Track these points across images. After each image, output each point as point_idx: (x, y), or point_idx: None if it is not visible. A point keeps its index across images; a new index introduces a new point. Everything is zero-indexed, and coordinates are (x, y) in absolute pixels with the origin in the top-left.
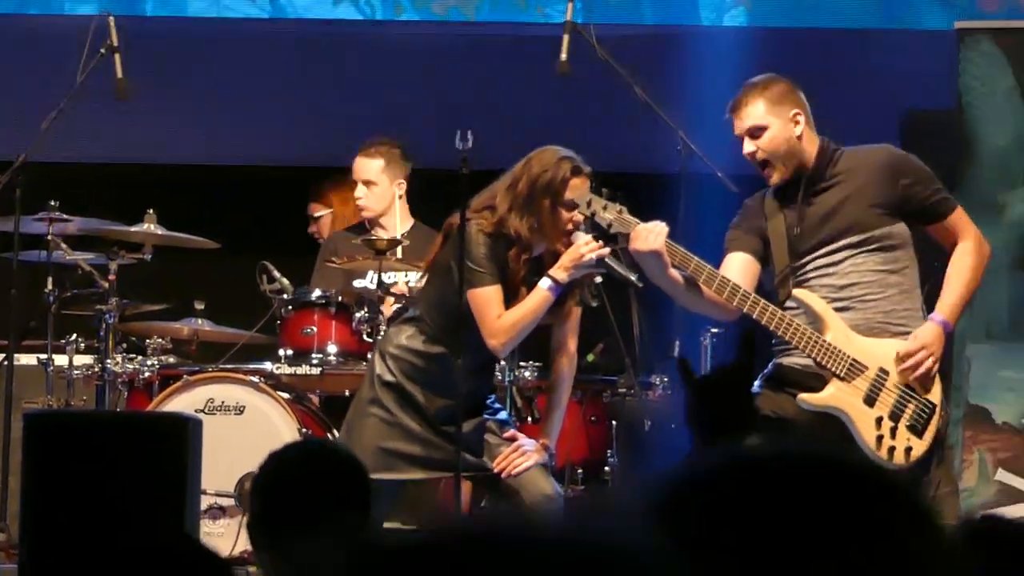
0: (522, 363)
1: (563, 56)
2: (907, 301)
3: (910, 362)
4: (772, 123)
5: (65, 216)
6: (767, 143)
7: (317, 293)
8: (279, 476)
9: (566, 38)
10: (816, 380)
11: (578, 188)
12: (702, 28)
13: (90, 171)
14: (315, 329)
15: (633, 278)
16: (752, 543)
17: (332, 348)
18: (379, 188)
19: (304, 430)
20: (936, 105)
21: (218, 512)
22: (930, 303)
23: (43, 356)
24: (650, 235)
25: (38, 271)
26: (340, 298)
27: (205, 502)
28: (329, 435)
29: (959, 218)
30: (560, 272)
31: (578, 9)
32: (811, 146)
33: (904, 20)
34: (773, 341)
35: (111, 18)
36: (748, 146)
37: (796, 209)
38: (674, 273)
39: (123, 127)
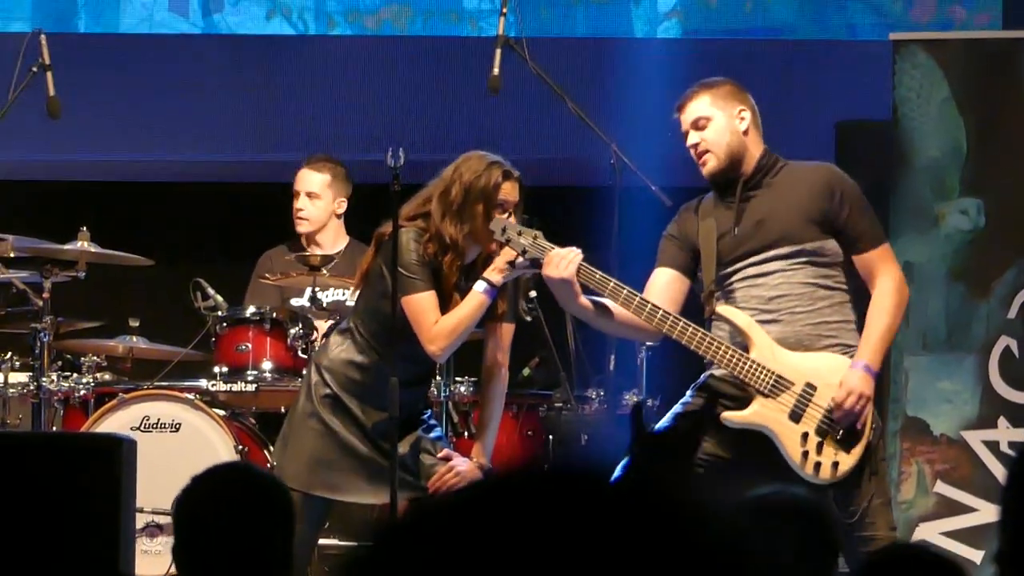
0: (458, 378)
1: (495, 71)
2: (838, 314)
3: (840, 413)
4: (716, 115)
5: None
6: (711, 133)
7: (252, 310)
8: (200, 502)
9: (498, 52)
10: (746, 392)
11: (509, 192)
12: (636, 40)
13: (22, 189)
14: (250, 346)
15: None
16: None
17: (267, 365)
18: (321, 202)
19: (240, 447)
20: (871, 116)
21: (155, 530)
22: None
23: None
24: (562, 262)
25: None
26: (275, 315)
27: (142, 520)
28: (266, 451)
29: (884, 255)
30: (495, 275)
31: (511, 23)
32: (755, 148)
33: (838, 31)
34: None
35: (43, 36)
36: (692, 137)
37: (731, 216)
38: (584, 301)
39: (56, 145)
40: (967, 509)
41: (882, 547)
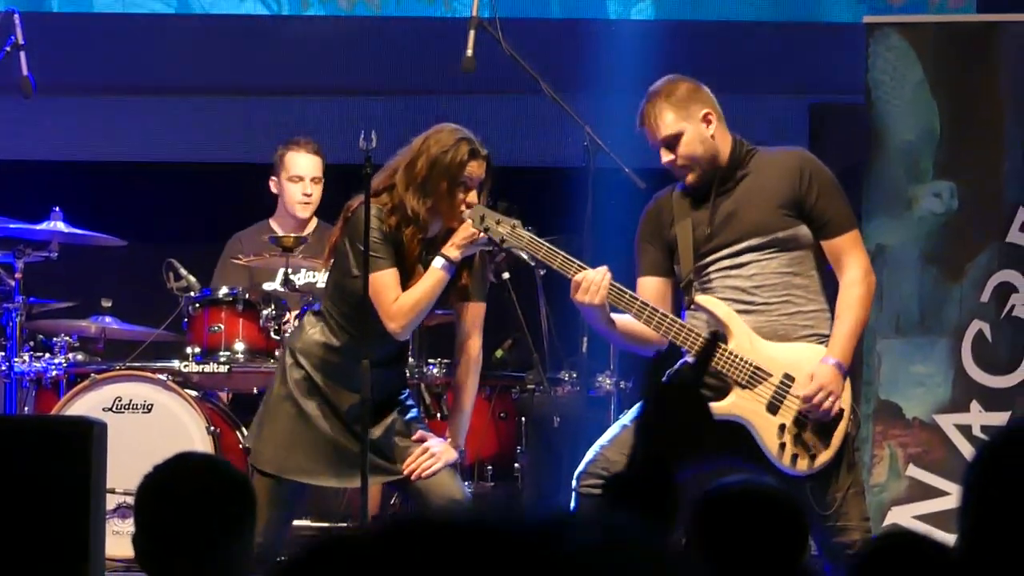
0: (430, 360)
1: (468, 52)
2: (812, 303)
3: (809, 406)
4: (686, 128)
5: None
6: (684, 149)
7: (224, 291)
8: (159, 492)
9: (471, 33)
10: (722, 380)
11: (475, 170)
12: (610, 22)
13: None
14: (223, 327)
15: (533, 263)
16: None
17: (240, 346)
18: (320, 186)
19: (212, 428)
20: (845, 99)
21: (127, 511)
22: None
23: None
24: (591, 286)
25: None
26: (247, 296)
27: (113, 501)
28: (238, 432)
29: (852, 242)
30: (453, 250)
31: (484, 3)
32: (724, 143)
33: (812, 13)
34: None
35: (16, 15)
36: (666, 156)
37: (706, 208)
38: (613, 320)
39: (28, 124)
40: (939, 493)
41: (883, 536)
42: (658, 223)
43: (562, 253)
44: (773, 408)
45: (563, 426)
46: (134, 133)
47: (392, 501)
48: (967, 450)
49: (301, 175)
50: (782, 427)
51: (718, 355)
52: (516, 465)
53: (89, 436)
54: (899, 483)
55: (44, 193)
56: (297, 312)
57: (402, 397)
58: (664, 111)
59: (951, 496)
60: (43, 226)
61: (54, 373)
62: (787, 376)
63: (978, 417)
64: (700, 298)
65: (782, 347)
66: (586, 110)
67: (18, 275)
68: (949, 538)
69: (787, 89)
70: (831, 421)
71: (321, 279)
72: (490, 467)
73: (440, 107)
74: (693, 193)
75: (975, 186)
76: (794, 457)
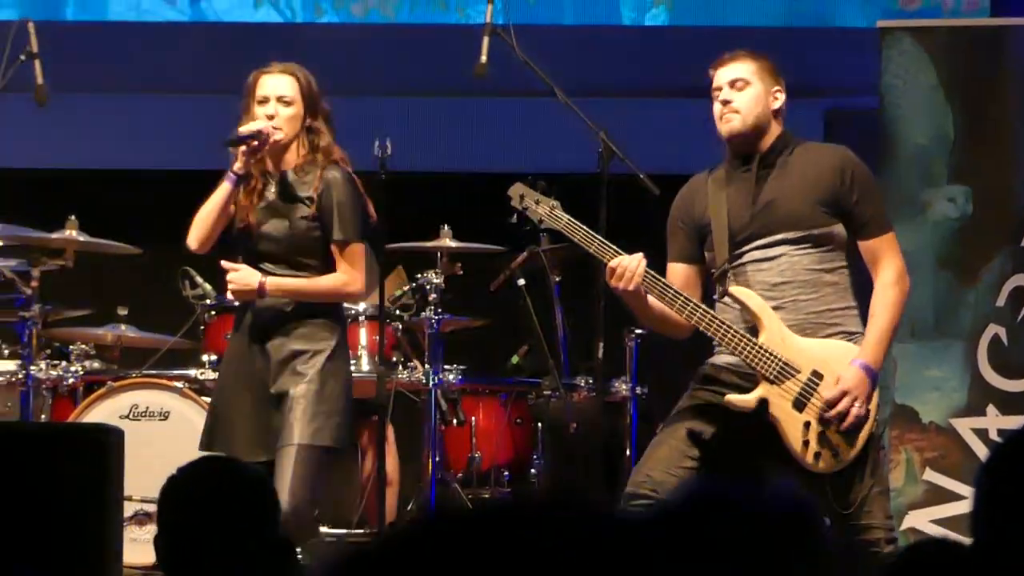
0: (446, 366)
1: (483, 58)
2: (841, 300)
3: (835, 411)
4: (755, 83)
5: None
6: (746, 97)
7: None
8: (181, 495)
9: (485, 40)
10: (747, 380)
11: (265, 85)
12: (623, 28)
13: (10, 177)
14: None
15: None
16: None
17: None
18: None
19: None
20: (859, 104)
21: (144, 518)
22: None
23: None
24: (626, 272)
25: None
26: None
27: (130, 508)
28: None
29: (888, 244)
30: (235, 164)
31: (498, 10)
32: (775, 127)
33: (826, 18)
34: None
35: (31, 23)
36: (727, 93)
37: (744, 192)
38: (650, 302)
39: (44, 132)
40: (956, 497)
41: (918, 544)
42: (691, 206)
43: (599, 238)
44: (799, 405)
45: (579, 432)
46: (149, 140)
47: (408, 507)
48: (984, 454)
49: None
50: (807, 424)
51: (748, 349)
52: (532, 471)
53: (106, 443)
54: (916, 487)
55: (60, 201)
56: None
57: (302, 354)
58: (748, 61)
59: (968, 500)
60: (58, 234)
61: (71, 381)
62: (815, 373)
63: (995, 421)
64: (734, 289)
65: (813, 343)
66: (600, 116)
67: (34, 283)
68: (966, 542)
69: (801, 93)
70: (856, 422)
71: None
72: (506, 472)
73: (453, 111)
74: (730, 177)
75: (989, 190)
76: (817, 455)
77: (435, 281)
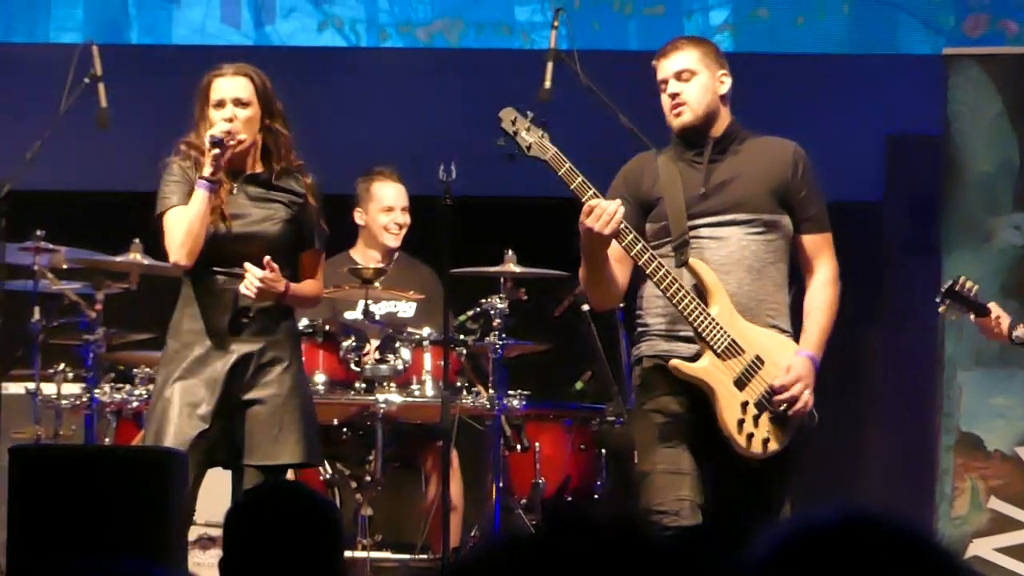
0: (511, 392)
1: (547, 83)
2: (778, 295)
3: (787, 395)
4: (701, 71)
5: (51, 246)
6: (693, 88)
7: (304, 322)
8: (249, 519)
9: (549, 65)
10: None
11: (219, 87)
12: None
13: (75, 200)
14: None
15: None
16: None
17: (320, 377)
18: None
19: None
20: (922, 130)
21: (208, 542)
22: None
23: (31, 386)
24: (603, 215)
25: (24, 300)
26: (327, 327)
27: (194, 533)
28: (320, 468)
29: (827, 243)
30: (205, 170)
31: (563, 35)
32: (725, 113)
33: (890, 45)
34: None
35: (95, 47)
36: (673, 86)
37: (698, 171)
38: (607, 255)
39: (108, 156)
40: (1021, 525)
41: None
42: (639, 179)
43: (581, 176)
44: (740, 384)
45: None
46: None
47: (472, 533)
48: None
49: (391, 205)
50: (744, 404)
51: (703, 318)
52: (595, 497)
53: (171, 467)
54: (980, 515)
55: (123, 224)
56: (378, 343)
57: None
58: (691, 49)
59: None
60: (123, 257)
61: (135, 404)
62: (758, 358)
63: None
64: (694, 261)
65: (756, 329)
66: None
67: (98, 307)
68: None
69: (864, 120)
70: (789, 414)
71: (402, 309)
72: (569, 498)
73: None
74: (681, 158)
75: None
76: (749, 436)
77: (499, 306)
